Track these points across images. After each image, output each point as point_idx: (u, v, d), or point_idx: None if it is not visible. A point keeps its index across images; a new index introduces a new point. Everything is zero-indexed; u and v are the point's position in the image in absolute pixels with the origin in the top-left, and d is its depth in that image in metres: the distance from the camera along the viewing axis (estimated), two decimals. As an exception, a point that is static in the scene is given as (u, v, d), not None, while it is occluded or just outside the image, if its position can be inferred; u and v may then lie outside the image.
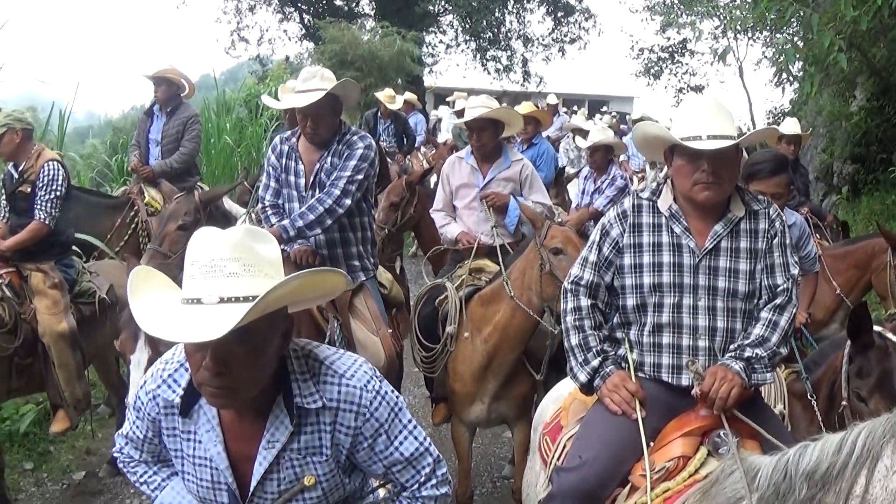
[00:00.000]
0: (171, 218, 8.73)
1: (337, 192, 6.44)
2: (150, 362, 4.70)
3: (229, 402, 3.18)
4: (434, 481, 3.56)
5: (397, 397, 3.46)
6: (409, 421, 3.49)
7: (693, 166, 4.21)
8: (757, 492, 3.46)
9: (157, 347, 4.75)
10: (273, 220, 6.69)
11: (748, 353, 4.21)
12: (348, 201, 6.48)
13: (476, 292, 7.17)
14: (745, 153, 8.56)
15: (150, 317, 3.03)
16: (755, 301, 4.37)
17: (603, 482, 4.19)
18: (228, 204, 10.30)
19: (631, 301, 4.44)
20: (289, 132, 6.96)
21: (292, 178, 6.72)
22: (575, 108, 34.31)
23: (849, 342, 4.95)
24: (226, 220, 9.38)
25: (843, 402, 4.84)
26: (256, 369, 3.14)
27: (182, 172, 11.02)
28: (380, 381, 3.40)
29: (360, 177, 6.53)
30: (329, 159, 6.59)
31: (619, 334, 4.58)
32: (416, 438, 3.48)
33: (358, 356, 3.52)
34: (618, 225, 4.47)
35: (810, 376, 5.42)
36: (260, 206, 7.02)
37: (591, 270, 4.50)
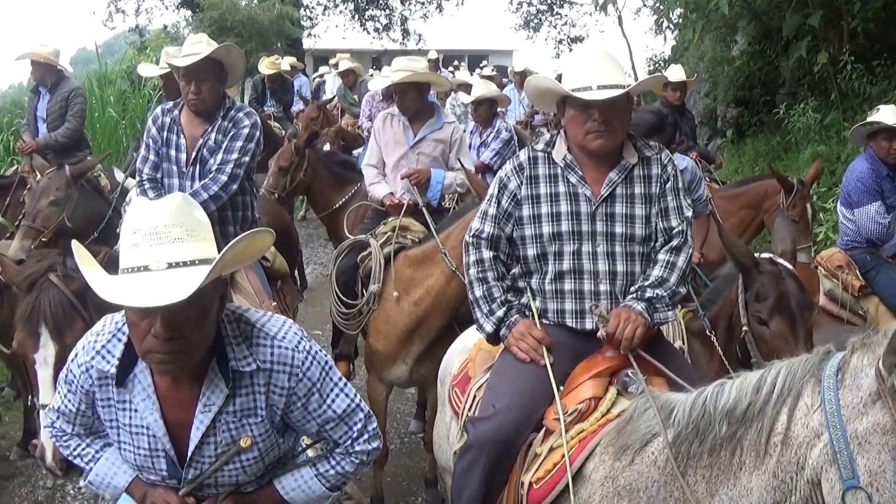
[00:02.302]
0: (42, 194, 8.60)
1: (224, 177, 6.32)
2: (60, 356, 4.59)
3: (179, 367, 3.20)
4: (366, 436, 3.62)
5: (326, 356, 3.51)
6: (340, 379, 3.55)
7: (585, 116, 4.25)
8: (673, 428, 3.53)
9: (64, 340, 4.64)
10: (150, 194, 6.47)
11: (649, 293, 4.28)
12: (234, 186, 6.38)
13: (400, 251, 7.11)
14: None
15: (108, 285, 3.04)
16: (652, 244, 4.44)
17: (518, 428, 4.22)
18: (119, 175, 10.15)
19: (531, 251, 4.46)
20: (171, 103, 6.76)
21: (173, 153, 6.53)
22: (456, 62, 34.32)
23: (740, 274, 5.14)
24: (98, 194, 9.25)
25: (744, 328, 5.01)
26: (203, 333, 3.20)
27: (70, 147, 10.79)
28: (309, 342, 3.45)
29: (247, 158, 6.43)
30: (213, 135, 6.43)
31: (521, 284, 4.62)
32: (347, 395, 3.54)
33: (286, 318, 3.57)
34: (515, 177, 4.49)
35: (707, 313, 5.59)
36: (137, 178, 6.81)
37: (492, 223, 4.53)
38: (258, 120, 6.69)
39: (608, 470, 3.75)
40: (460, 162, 7.80)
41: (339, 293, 7.28)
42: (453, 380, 5.16)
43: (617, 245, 4.37)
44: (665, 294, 4.30)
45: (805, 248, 8.88)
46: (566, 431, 4.01)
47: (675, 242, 4.40)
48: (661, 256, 4.40)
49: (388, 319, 6.89)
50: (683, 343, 5.61)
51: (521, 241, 4.50)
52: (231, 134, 6.44)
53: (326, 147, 13.24)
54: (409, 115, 7.86)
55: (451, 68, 30.08)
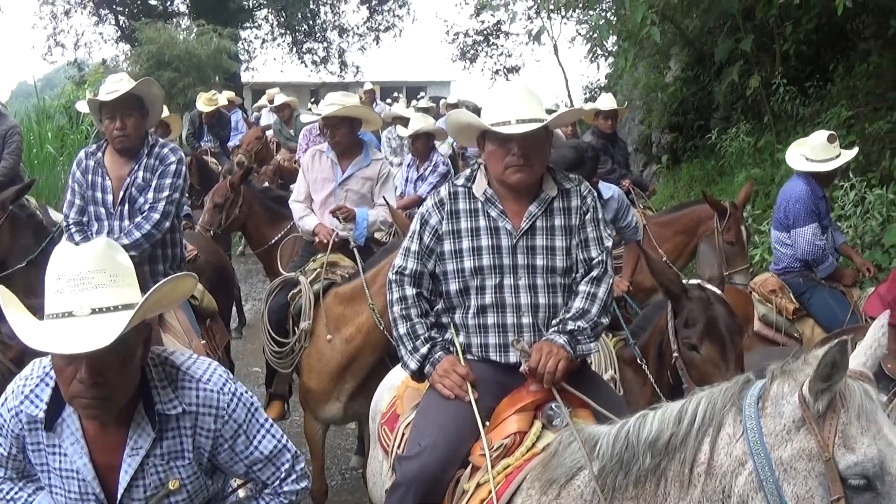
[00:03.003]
0: None
1: (156, 215, 6.27)
2: None
3: (104, 412, 3.22)
4: (294, 476, 3.64)
5: (252, 397, 3.53)
6: (266, 420, 3.57)
7: (504, 150, 4.29)
8: (598, 461, 3.52)
9: None
10: (77, 238, 6.41)
11: (570, 325, 4.28)
12: (167, 223, 6.34)
13: (331, 287, 7.10)
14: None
15: (33, 332, 3.05)
16: (573, 275, 4.47)
17: (444, 466, 4.22)
18: (55, 216, 10.01)
19: (454, 286, 4.48)
20: (94, 146, 6.70)
21: (99, 195, 6.46)
22: (396, 94, 34.35)
23: (669, 301, 5.17)
24: (30, 218, 9.07)
25: (675, 355, 5.03)
26: (128, 377, 3.22)
27: (6, 185, 10.65)
28: (234, 384, 3.48)
29: (177, 195, 6.40)
30: (140, 173, 6.38)
31: (445, 319, 4.62)
32: (273, 436, 3.56)
33: (212, 360, 3.60)
34: (436, 213, 4.51)
35: (637, 341, 5.62)
36: (64, 223, 6.77)
37: (414, 259, 4.53)
38: (182, 155, 6.66)
39: None
40: (384, 198, 7.78)
41: (270, 332, 7.26)
42: (382, 417, 5.16)
43: (538, 277, 4.39)
44: (587, 326, 4.31)
45: (742, 269, 9.01)
46: (492, 467, 4.00)
47: (595, 273, 4.42)
48: (581, 288, 4.42)
49: (321, 357, 6.88)
50: (615, 372, 5.64)
51: (443, 276, 4.51)
52: (158, 171, 6.40)
53: (266, 185, 13.23)
54: (339, 150, 7.84)
55: (388, 100, 30.10)
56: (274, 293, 7.56)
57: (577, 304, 4.37)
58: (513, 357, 4.38)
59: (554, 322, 4.36)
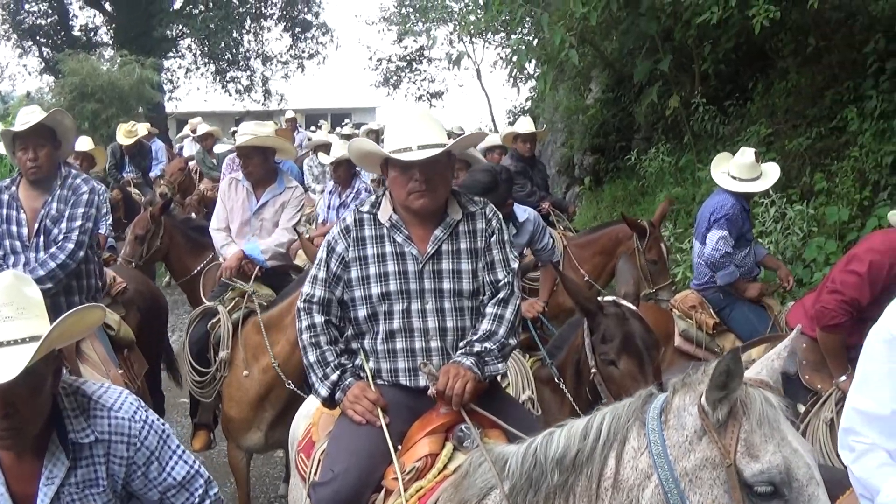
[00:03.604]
0: None
1: (71, 245, 6.26)
2: None
3: (16, 442, 3.28)
4: (208, 502, 3.68)
5: (163, 424, 3.58)
6: (178, 446, 3.61)
7: (406, 176, 4.35)
8: (509, 480, 3.55)
9: None
10: None
11: (477, 347, 4.34)
12: (81, 253, 6.33)
13: (250, 316, 7.11)
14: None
15: None
16: (480, 298, 4.53)
17: (357, 491, 4.27)
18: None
19: (362, 312, 4.51)
20: (7, 181, 6.67)
21: (14, 228, 6.41)
22: (320, 122, 34.34)
23: (585, 319, 5.22)
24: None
25: (593, 371, 5.06)
26: (38, 407, 3.28)
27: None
28: (146, 411, 3.52)
29: (90, 224, 6.40)
30: (54, 205, 6.37)
31: (354, 345, 4.66)
32: (185, 462, 3.61)
33: (123, 389, 3.63)
34: (342, 240, 4.54)
35: (554, 361, 5.69)
36: None
37: (322, 287, 4.56)
38: (96, 185, 6.67)
39: None
40: (294, 227, 7.87)
41: (191, 361, 7.26)
42: (299, 445, 5.17)
43: (446, 301, 4.45)
44: (493, 347, 4.36)
45: (666, 285, 9.18)
46: (405, 490, 4.04)
47: (502, 295, 4.48)
48: (488, 310, 4.47)
49: (240, 386, 6.90)
50: (532, 392, 5.71)
51: (351, 302, 4.54)
52: (72, 201, 6.39)
53: (190, 215, 13.17)
54: (253, 180, 7.88)
55: (312, 128, 30.11)
56: (194, 323, 7.56)
57: (485, 326, 4.42)
58: (423, 381, 4.41)
59: (461, 344, 4.41)
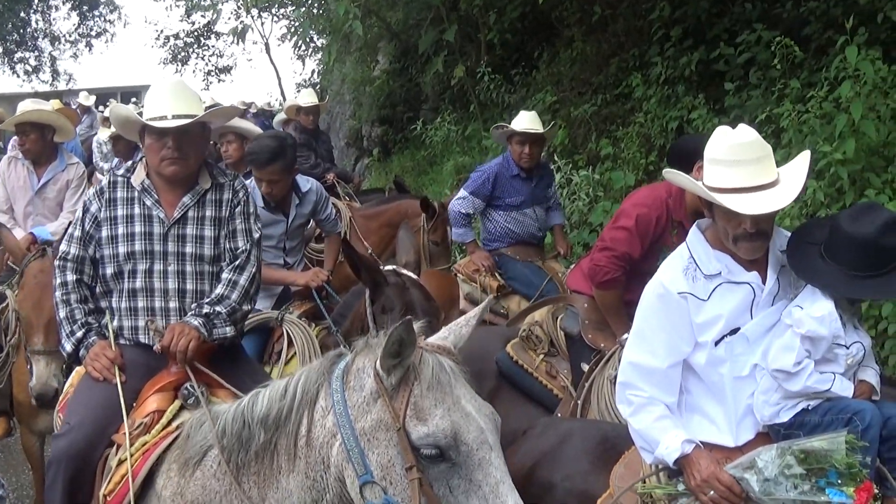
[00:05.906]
0: None
1: None
2: None
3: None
4: None
5: None
6: None
7: (160, 144, 4.56)
8: (225, 438, 3.70)
9: None
10: None
11: (206, 309, 4.56)
12: None
13: None
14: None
15: None
16: (220, 264, 4.73)
17: (91, 444, 4.37)
18: None
19: (109, 270, 4.69)
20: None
21: None
22: (109, 100, 33.53)
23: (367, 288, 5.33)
24: None
25: None
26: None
27: None
28: None
29: None
30: None
31: (103, 304, 4.79)
32: None
33: None
34: (96, 201, 4.72)
35: (339, 329, 5.76)
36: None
37: (77, 245, 4.72)
38: None
39: (175, 486, 3.91)
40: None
41: None
42: (59, 405, 5.27)
43: (187, 264, 4.69)
44: (223, 311, 4.59)
45: (444, 269, 9.07)
46: (131, 444, 4.16)
47: (238, 262, 4.72)
48: (224, 275, 4.71)
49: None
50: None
51: (101, 260, 4.71)
52: None
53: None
54: (32, 157, 7.89)
55: (101, 107, 29.46)
56: None
57: (218, 290, 4.66)
58: (148, 338, 4.59)
59: (192, 306, 4.60)
